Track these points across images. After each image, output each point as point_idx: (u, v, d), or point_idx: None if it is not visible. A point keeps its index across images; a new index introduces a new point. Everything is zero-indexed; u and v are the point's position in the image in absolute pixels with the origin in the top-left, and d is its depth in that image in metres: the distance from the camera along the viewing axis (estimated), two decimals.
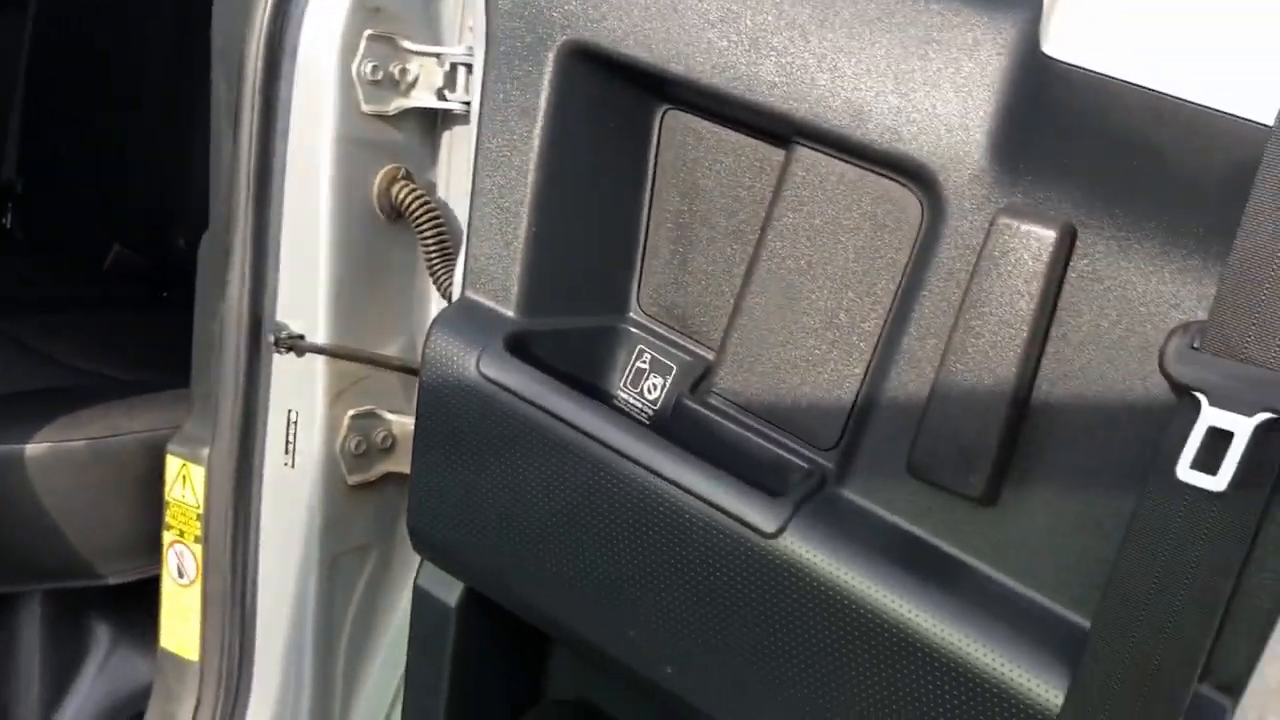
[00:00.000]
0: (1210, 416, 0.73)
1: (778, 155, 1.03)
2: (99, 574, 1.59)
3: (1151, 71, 0.78)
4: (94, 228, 2.31)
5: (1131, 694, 0.78)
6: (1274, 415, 0.71)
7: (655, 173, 1.11)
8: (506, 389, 1.03)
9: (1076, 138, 0.82)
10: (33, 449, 1.48)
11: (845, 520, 0.93)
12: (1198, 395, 0.74)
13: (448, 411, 1.07)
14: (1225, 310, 0.73)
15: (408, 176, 1.30)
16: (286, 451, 1.34)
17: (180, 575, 1.42)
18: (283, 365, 1.31)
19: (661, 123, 1.10)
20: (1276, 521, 0.78)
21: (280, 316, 1.30)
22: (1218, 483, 0.72)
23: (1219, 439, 0.72)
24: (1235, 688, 0.83)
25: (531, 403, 1.02)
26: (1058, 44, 0.82)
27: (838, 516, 0.93)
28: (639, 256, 1.13)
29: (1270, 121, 0.72)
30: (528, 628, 1.14)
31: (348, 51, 1.22)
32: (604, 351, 1.14)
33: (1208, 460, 0.72)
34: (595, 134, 1.08)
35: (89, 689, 1.71)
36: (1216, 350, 0.74)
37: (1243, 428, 0.72)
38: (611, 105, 1.07)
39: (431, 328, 1.09)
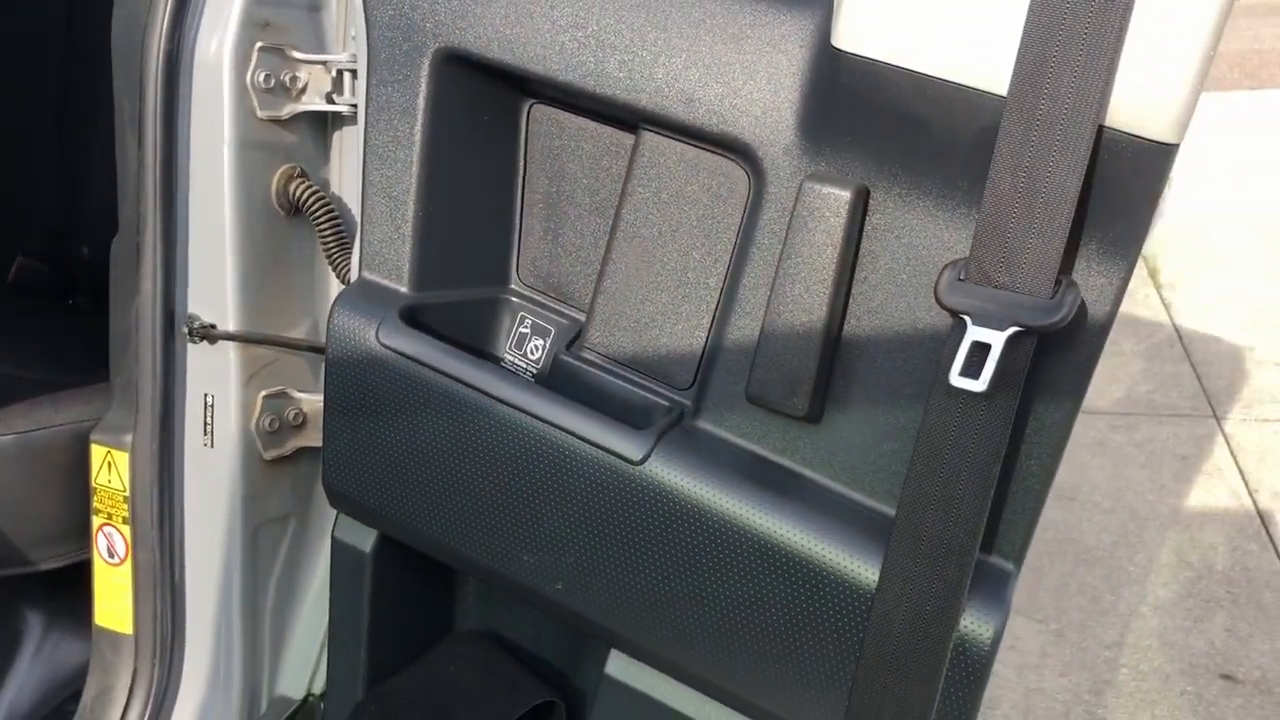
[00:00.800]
0: (973, 333, 0.91)
1: (629, 140, 1.19)
2: (30, 561, 1.67)
3: (915, 57, 0.95)
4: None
5: (928, 565, 0.96)
6: (1020, 329, 0.89)
7: (526, 160, 1.26)
8: (404, 355, 1.17)
9: (863, 114, 0.99)
10: None
11: (700, 446, 1.09)
12: (964, 317, 0.91)
13: (353, 378, 1.20)
14: (980, 248, 0.91)
15: (303, 174, 1.41)
16: (205, 433, 1.44)
17: (110, 555, 1.52)
18: (197, 353, 1.42)
19: (528, 116, 1.25)
20: (1035, 415, 0.96)
21: (192, 309, 1.40)
22: (980, 385, 0.89)
23: (981, 351, 0.90)
24: (1018, 556, 1.01)
25: (428, 366, 1.16)
26: (844, 38, 0.98)
27: (693, 443, 1.09)
28: (516, 234, 1.27)
29: (1004, 93, 0.90)
30: (437, 566, 1.28)
31: (241, 63, 1.32)
32: (490, 319, 1.28)
33: (973, 368, 0.90)
34: (470, 128, 1.22)
35: (26, 673, 1.79)
36: (976, 280, 0.92)
37: (997, 340, 0.89)
38: (483, 102, 1.21)
39: (335, 305, 1.22)
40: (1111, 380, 3.88)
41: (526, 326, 1.28)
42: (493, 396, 1.13)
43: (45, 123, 2.31)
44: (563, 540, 1.13)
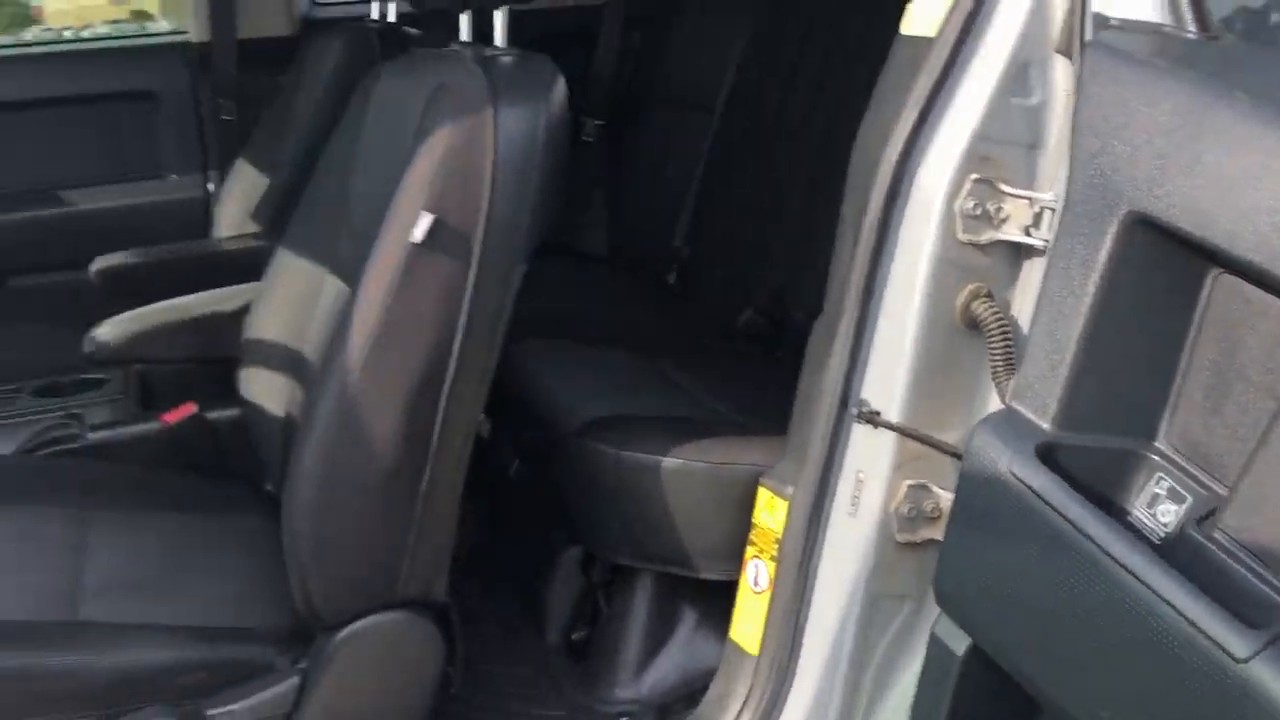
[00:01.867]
0: None
1: None
2: (695, 568, 2.00)
3: None
4: (735, 293, 2.81)
5: None
6: None
7: (1200, 325, 1.25)
8: (1030, 489, 1.24)
9: None
10: (668, 463, 1.93)
11: None
12: None
13: (979, 497, 1.29)
14: None
15: (988, 295, 1.51)
16: (852, 504, 1.62)
17: (755, 584, 1.75)
18: (860, 433, 1.60)
19: (1212, 284, 1.23)
20: None
21: (865, 394, 1.58)
22: None
23: None
24: None
25: (1050, 505, 1.21)
26: None
27: None
28: (1172, 394, 1.27)
29: None
30: (1019, 689, 1.33)
31: (954, 191, 1.46)
32: (1125, 471, 1.29)
33: None
34: (1147, 288, 1.24)
35: (675, 656, 2.14)
36: None
37: None
38: (1164, 266, 1.23)
39: (977, 426, 1.32)
40: None
41: (1162, 488, 1.27)
42: (1108, 554, 1.15)
43: (790, 215, 2.70)
44: (1145, 712, 1.12)
